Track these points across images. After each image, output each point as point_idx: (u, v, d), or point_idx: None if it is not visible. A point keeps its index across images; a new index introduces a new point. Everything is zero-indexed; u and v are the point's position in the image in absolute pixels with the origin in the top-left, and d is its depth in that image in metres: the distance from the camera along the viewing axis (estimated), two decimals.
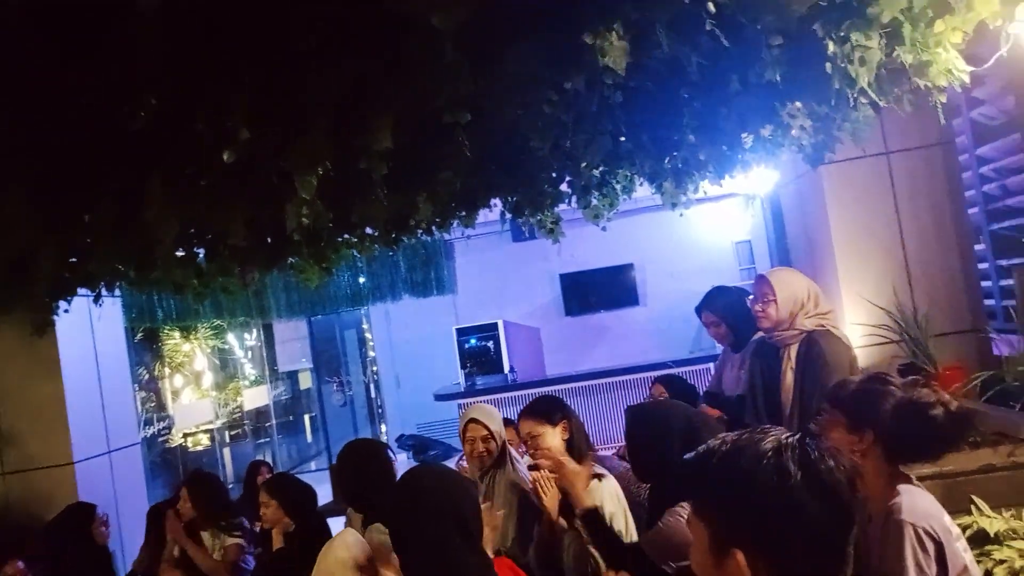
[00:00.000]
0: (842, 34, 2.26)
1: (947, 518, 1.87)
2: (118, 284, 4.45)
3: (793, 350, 3.00)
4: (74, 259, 3.75)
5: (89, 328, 5.46)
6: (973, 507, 3.31)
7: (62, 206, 2.87)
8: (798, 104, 2.96)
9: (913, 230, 4.99)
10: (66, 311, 4.55)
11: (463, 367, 9.50)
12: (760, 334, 3.29)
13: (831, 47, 2.35)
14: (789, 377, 2.98)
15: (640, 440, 2.44)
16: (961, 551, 1.81)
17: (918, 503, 1.83)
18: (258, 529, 4.00)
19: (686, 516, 1.19)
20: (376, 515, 2.62)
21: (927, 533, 1.75)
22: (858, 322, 4.75)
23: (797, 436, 1.10)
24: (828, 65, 2.34)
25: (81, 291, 4.43)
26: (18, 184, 2.47)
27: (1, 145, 2.25)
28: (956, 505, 3.33)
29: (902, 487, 1.87)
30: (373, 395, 11.63)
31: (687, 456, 1.18)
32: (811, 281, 3.15)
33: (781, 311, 2.98)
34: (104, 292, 4.48)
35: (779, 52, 2.31)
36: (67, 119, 2.04)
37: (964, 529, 3.25)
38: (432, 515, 1.87)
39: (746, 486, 1.07)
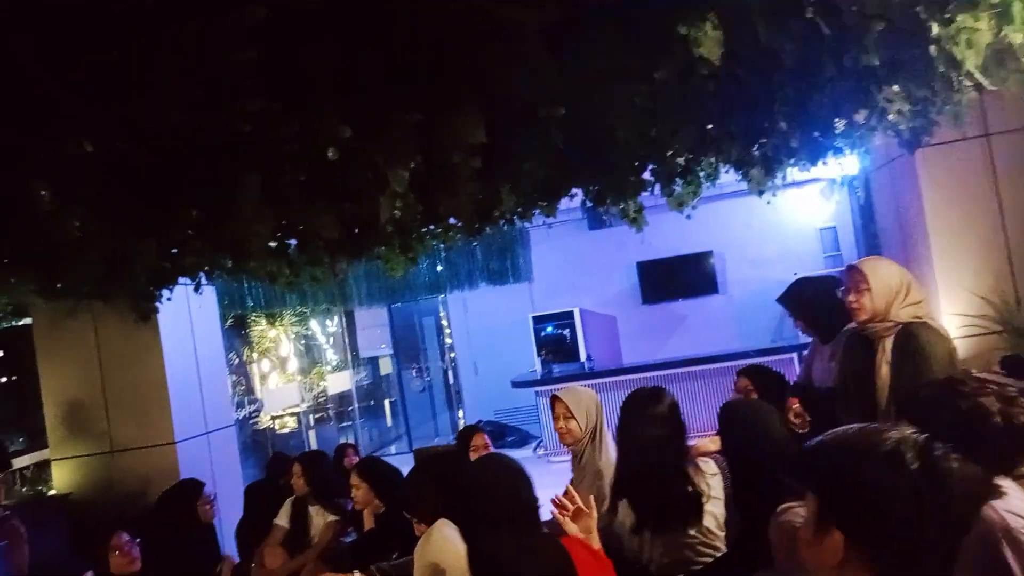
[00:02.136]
0: (947, 16, 2.17)
1: None
2: (215, 274, 4.66)
3: (888, 342, 2.89)
4: (174, 250, 3.96)
5: (187, 315, 5.73)
6: None
7: (163, 202, 3.04)
8: (896, 88, 2.86)
9: (1015, 215, 4.75)
10: (168, 299, 4.81)
11: (539, 354, 9.54)
12: (851, 325, 3.19)
13: (935, 29, 2.26)
14: (884, 370, 2.88)
15: (725, 435, 2.43)
16: None
17: (1006, 508, 1.74)
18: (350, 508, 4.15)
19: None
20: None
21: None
22: (956, 312, 4.56)
23: (925, 435, 1.09)
24: (933, 48, 2.26)
25: (181, 279, 4.67)
26: (122, 181, 2.63)
27: (108, 144, 2.39)
28: None
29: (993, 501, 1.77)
30: (451, 381, 11.83)
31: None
32: (904, 270, 3.04)
33: (876, 301, 2.87)
34: (203, 281, 4.71)
35: (879, 36, 2.23)
36: (172, 121, 2.15)
37: None
38: (497, 502, 1.93)
39: (855, 470, 1.09)
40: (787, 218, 9.23)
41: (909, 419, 1.90)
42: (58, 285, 4.21)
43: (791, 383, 3.89)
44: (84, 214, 2.53)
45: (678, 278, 9.59)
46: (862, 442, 1.12)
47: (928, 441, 1.08)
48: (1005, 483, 1.79)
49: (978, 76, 2.41)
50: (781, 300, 3.65)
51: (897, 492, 1.05)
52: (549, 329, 9.65)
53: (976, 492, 1.08)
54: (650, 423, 2.64)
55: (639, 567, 2.53)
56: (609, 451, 3.04)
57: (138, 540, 3.88)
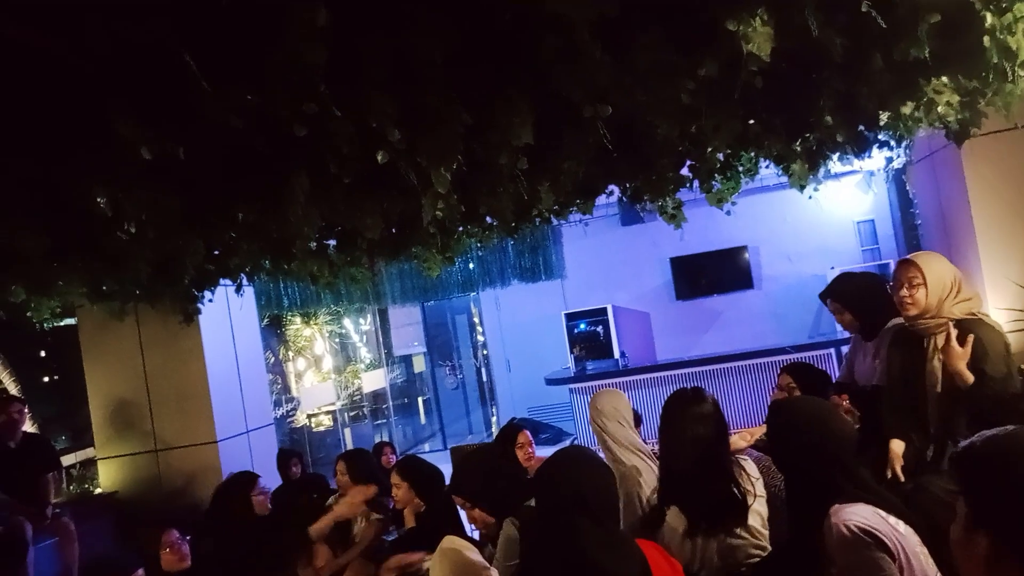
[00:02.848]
0: (1003, 5, 2.12)
1: None
2: (256, 275, 4.73)
3: (941, 339, 2.83)
4: (217, 252, 4.02)
5: (227, 316, 5.82)
6: None
7: (210, 204, 3.09)
8: (944, 80, 2.80)
9: None
10: (210, 300, 4.89)
11: (572, 351, 9.53)
12: (896, 321, 3.13)
13: (989, 19, 2.21)
14: (937, 367, 2.82)
15: (782, 434, 2.39)
16: None
17: None
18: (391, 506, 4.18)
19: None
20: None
21: None
22: (1003, 307, 4.46)
23: None
24: (986, 38, 2.21)
25: (223, 282, 4.74)
26: (170, 184, 2.67)
27: (165, 149, 2.43)
28: None
29: None
30: (484, 379, 11.86)
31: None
32: (954, 266, 2.98)
33: (930, 297, 2.81)
34: (244, 282, 4.78)
35: (932, 26, 2.19)
36: (222, 132, 2.19)
37: None
38: (555, 498, 1.92)
39: (1005, 472, 1.10)
40: (823, 211, 9.05)
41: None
42: (103, 288, 4.31)
43: (833, 381, 3.84)
44: (138, 216, 2.58)
45: (712, 273, 9.50)
46: (1013, 444, 1.13)
47: None
48: None
49: None
50: (828, 293, 3.57)
51: None
52: (582, 326, 9.63)
53: None
54: (694, 423, 2.61)
55: (690, 573, 2.51)
56: (627, 455, 3.00)
57: (188, 537, 3.94)
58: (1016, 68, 2.43)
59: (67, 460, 7.23)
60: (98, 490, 5.83)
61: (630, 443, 2.99)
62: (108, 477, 5.65)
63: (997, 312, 4.49)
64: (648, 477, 2.89)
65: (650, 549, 1.86)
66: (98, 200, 2.24)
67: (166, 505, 5.46)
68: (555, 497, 1.99)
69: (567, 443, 9.30)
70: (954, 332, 2.75)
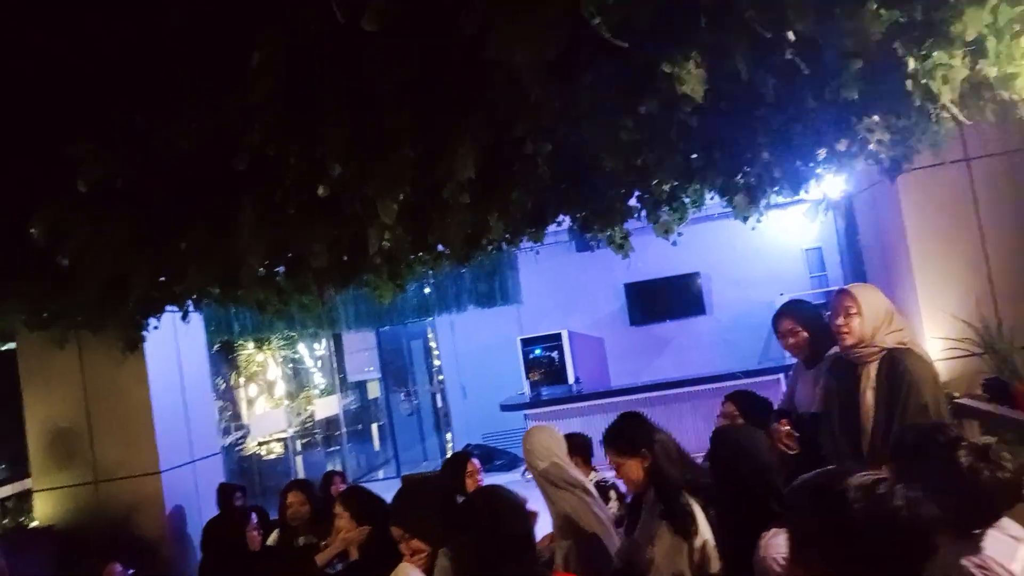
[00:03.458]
0: (923, 52, 2.23)
1: (1017, 564, 1.81)
2: (203, 302, 4.65)
3: (872, 368, 2.93)
4: (163, 278, 3.96)
5: (174, 343, 5.71)
6: None
7: (156, 232, 3.05)
8: (876, 118, 2.92)
9: (997, 239, 4.82)
10: (155, 327, 4.78)
11: (528, 377, 9.55)
12: (835, 350, 3.23)
13: (912, 64, 2.32)
14: (869, 396, 2.91)
15: (719, 464, 2.45)
16: None
17: (976, 562, 1.80)
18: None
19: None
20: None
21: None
22: (938, 336, 4.62)
23: (876, 478, 1.25)
24: (909, 82, 2.32)
25: (168, 307, 4.65)
26: (117, 211, 2.64)
27: (104, 178, 2.40)
28: None
29: (967, 555, 1.82)
30: (439, 405, 11.79)
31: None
32: (887, 298, 3.09)
33: (865, 327, 2.91)
34: (191, 309, 4.70)
35: (857, 70, 2.29)
36: (171, 156, 2.17)
37: None
38: (508, 537, 1.94)
39: (811, 508, 1.30)
40: (773, 239, 9.31)
41: (896, 461, 2.02)
42: (44, 315, 4.20)
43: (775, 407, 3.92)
44: (81, 241, 2.54)
45: (665, 299, 9.65)
46: (820, 483, 1.30)
47: (876, 483, 1.23)
48: (991, 534, 1.85)
49: (953, 110, 2.47)
50: (786, 312, 3.62)
51: (844, 527, 1.22)
52: (537, 351, 9.67)
53: (923, 526, 1.21)
54: None
55: None
56: (561, 495, 3.00)
57: (131, 571, 3.84)
58: (938, 110, 2.55)
59: (2, 492, 6.96)
60: (34, 523, 5.63)
61: (564, 481, 3.02)
62: (44, 510, 5.46)
63: (933, 341, 4.64)
64: (584, 513, 2.92)
65: None
66: (31, 227, 2.20)
67: (106, 538, 5.28)
68: (475, 541, 2.01)
69: (521, 469, 9.27)
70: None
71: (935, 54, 2.19)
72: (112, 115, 2.05)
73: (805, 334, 3.55)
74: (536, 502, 3.19)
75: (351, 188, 2.47)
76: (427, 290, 9.70)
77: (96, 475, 5.42)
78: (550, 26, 1.60)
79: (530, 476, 3.28)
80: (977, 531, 1.87)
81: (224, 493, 5.40)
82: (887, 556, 1.20)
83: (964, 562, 1.80)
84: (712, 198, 4.15)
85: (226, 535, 4.01)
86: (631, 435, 2.82)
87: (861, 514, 1.21)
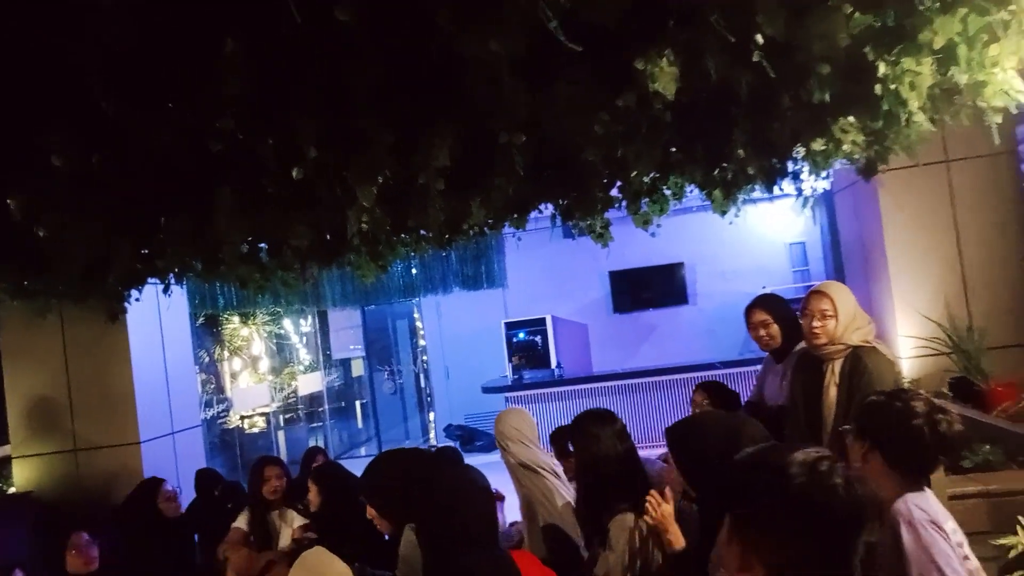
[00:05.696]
0: (892, 58, 2.28)
1: (951, 524, 1.95)
2: (185, 276, 4.68)
3: (837, 365, 2.99)
4: (146, 251, 3.98)
5: (157, 316, 5.73)
6: (1019, 527, 3.29)
7: (139, 210, 3.08)
8: (850, 119, 2.96)
9: (972, 240, 4.90)
10: (137, 300, 4.81)
11: (511, 360, 9.62)
12: (802, 346, 3.28)
13: (882, 69, 2.36)
14: (832, 392, 2.98)
15: (682, 454, 2.50)
16: (961, 558, 1.87)
17: (916, 502, 1.94)
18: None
19: None
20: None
21: (921, 524, 1.88)
22: (909, 334, 4.70)
23: (822, 456, 1.26)
24: (879, 86, 2.36)
25: (151, 280, 4.68)
26: (101, 189, 2.67)
27: (88, 155, 2.43)
28: (1002, 525, 3.31)
29: (910, 494, 1.97)
30: (423, 384, 11.85)
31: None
32: (852, 295, 3.14)
33: (839, 328, 2.97)
34: (172, 283, 4.72)
35: (829, 73, 2.33)
36: (153, 139, 2.20)
37: (1008, 549, 3.22)
38: (474, 521, 2.00)
39: (746, 483, 1.30)
40: (758, 232, 9.40)
41: (857, 423, 2.09)
42: (25, 283, 4.22)
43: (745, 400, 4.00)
44: (64, 217, 2.56)
45: (649, 288, 9.72)
46: (762, 458, 1.31)
47: (818, 460, 1.24)
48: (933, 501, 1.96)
49: (920, 117, 2.52)
50: (759, 303, 3.66)
51: (784, 502, 1.23)
52: (521, 335, 9.74)
53: (859, 503, 1.22)
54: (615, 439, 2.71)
55: None
56: (530, 477, 3.06)
57: (97, 540, 3.88)
58: (909, 114, 2.60)
59: None
60: (12, 489, 5.67)
61: (533, 463, 3.07)
62: (23, 476, 5.51)
63: (905, 340, 4.73)
64: (550, 496, 2.99)
65: (523, 559, 1.97)
66: (9, 202, 2.22)
67: (84, 506, 5.33)
68: (439, 525, 2.04)
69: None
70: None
71: (904, 60, 2.24)
72: (85, 103, 2.07)
73: (776, 327, 3.59)
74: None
75: (328, 173, 2.51)
76: (414, 271, 9.73)
77: (76, 444, 5.47)
78: (516, 23, 1.63)
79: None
80: (926, 486, 2.03)
81: (203, 481, 5.26)
82: (823, 531, 1.22)
83: (900, 502, 1.94)
84: (692, 191, 4.19)
85: (137, 505, 4.03)
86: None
87: (801, 489, 1.22)
